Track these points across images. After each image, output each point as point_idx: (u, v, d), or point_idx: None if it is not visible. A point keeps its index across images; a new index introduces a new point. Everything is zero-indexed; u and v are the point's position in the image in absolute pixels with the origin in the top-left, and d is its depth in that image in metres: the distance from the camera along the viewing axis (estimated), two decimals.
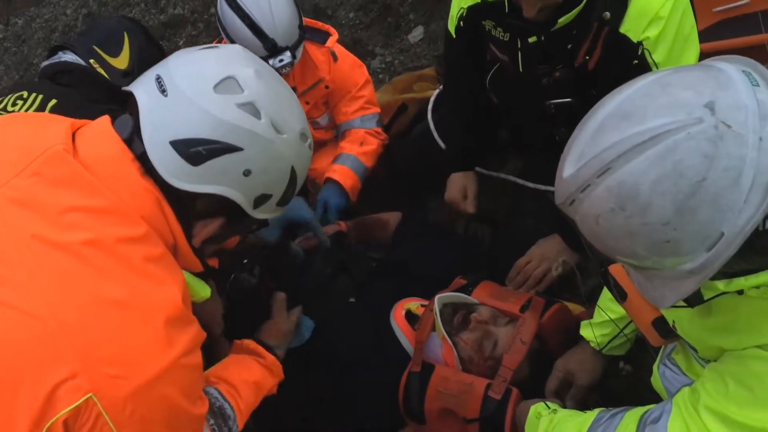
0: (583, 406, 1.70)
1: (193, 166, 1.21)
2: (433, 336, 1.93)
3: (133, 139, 1.22)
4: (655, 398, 1.57)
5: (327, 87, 2.57)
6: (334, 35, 2.57)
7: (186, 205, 1.26)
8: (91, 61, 1.91)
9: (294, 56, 2.30)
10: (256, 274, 2.09)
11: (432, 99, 2.63)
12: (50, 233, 1.15)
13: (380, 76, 3.58)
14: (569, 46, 1.86)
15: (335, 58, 2.56)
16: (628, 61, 1.75)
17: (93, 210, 1.17)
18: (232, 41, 2.28)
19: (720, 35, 2.34)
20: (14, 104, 1.82)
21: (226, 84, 1.23)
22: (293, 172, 1.33)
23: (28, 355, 1.10)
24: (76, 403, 1.09)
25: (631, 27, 1.75)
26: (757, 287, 1.12)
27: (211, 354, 1.75)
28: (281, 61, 2.25)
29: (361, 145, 2.63)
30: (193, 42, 4.26)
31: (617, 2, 1.74)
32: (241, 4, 2.24)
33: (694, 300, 1.18)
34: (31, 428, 1.10)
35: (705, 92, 1.01)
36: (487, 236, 2.46)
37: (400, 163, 2.70)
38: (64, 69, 1.92)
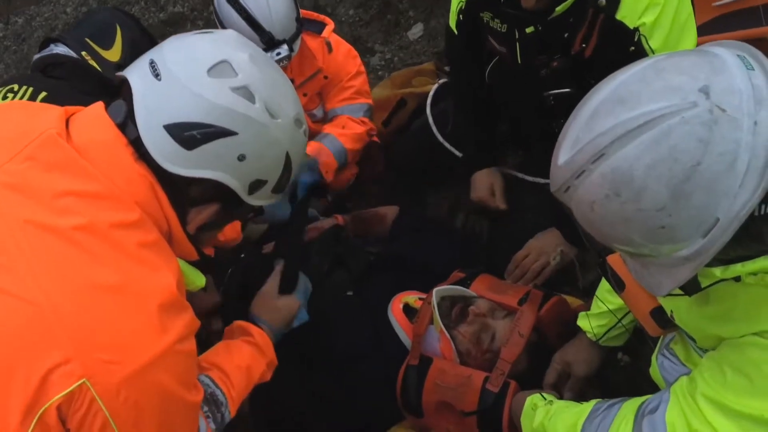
0: (580, 398, 1.69)
1: (188, 151, 1.20)
2: (431, 329, 1.92)
3: (126, 123, 1.22)
4: (654, 390, 1.56)
5: (326, 77, 2.57)
6: (330, 25, 2.56)
7: (180, 191, 1.25)
8: (83, 53, 1.90)
9: (291, 49, 2.29)
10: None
11: (431, 93, 2.62)
12: (44, 218, 1.14)
13: (380, 73, 3.58)
14: (566, 35, 1.86)
15: (330, 48, 2.56)
16: (625, 48, 1.75)
17: (87, 195, 1.17)
18: None
19: (720, 30, 2.33)
20: (5, 97, 1.82)
21: (220, 68, 1.22)
22: (288, 158, 1.32)
23: (21, 341, 1.09)
24: (69, 389, 1.08)
25: (627, 13, 1.75)
26: (754, 274, 1.11)
27: (207, 348, 1.74)
28: (278, 54, 2.25)
29: (343, 128, 2.61)
30: None
31: None
32: None
33: (691, 288, 1.18)
34: (24, 414, 1.09)
35: (700, 76, 1.00)
36: (485, 230, 2.46)
37: (398, 158, 2.70)
38: (56, 61, 1.92)
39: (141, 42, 1.96)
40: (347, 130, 2.61)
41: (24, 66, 4.64)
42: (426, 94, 2.65)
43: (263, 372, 1.66)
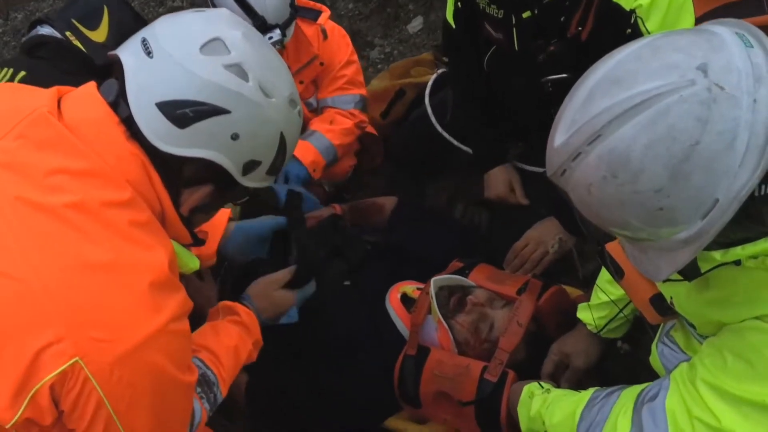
0: (578, 388, 1.67)
1: (180, 129, 1.19)
2: (429, 319, 1.91)
3: (118, 102, 1.20)
4: (652, 379, 1.55)
5: (322, 64, 2.55)
6: (326, 12, 2.54)
7: (173, 171, 1.24)
8: (68, 33, 1.89)
9: (284, 34, 2.27)
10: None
11: (429, 83, 2.61)
12: (34, 195, 1.13)
13: (379, 66, 3.58)
14: (562, 19, 1.85)
15: (325, 35, 2.54)
16: (621, 31, 1.74)
17: (78, 173, 1.15)
18: None
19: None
20: None
21: (212, 45, 1.21)
22: (282, 138, 1.30)
23: (11, 319, 1.08)
24: (62, 368, 1.07)
25: None
26: (755, 257, 1.10)
27: None
28: (270, 38, 2.22)
29: (331, 123, 2.59)
30: None
31: None
32: None
33: (691, 273, 1.16)
34: (15, 394, 1.08)
35: (697, 54, 0.99)
36: (484, 220, 2.45)
37: (397, 149, 2.69)
38: (40, 42, 1.91)
39: (129, 23, 1.94)
40: (335, 126, 2.59)
41: None
42: (425, 84, 2.64)
43: (250, 351, 1.64)
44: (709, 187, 0.97)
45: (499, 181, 2.33)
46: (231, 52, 1.22)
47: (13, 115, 1.19)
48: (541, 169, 2.22)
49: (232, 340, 1.59)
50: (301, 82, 2.53)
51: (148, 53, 1.20)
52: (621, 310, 1.71)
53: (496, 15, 1.97)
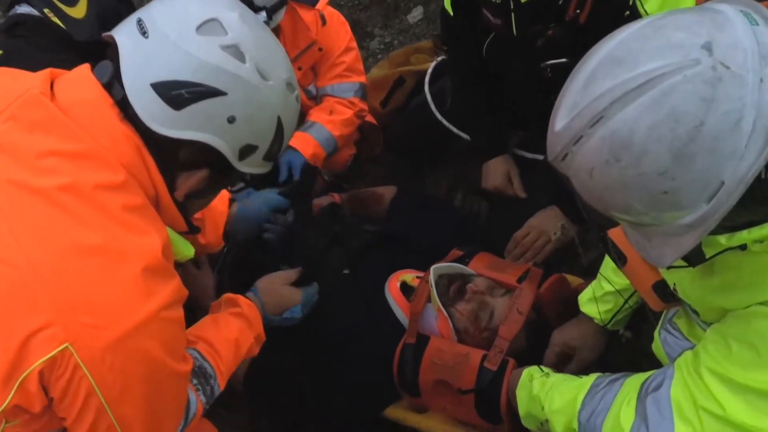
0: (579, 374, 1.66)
1: (175, 111, 1.17)
2: (429, 308, 1.89)
3: (113, 83, 1.18)
4: (653, 366, 1.53)
5: (320, 50, 2.52)
6: None
7: (168, 154, 1.21)
8: (46, 10, 1.86)
9: (270, 18, 2.21)
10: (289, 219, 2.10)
11: (429, 71, 2.59)
12: (26, 178, 1.11)
13: (379, 56, 3.56)
14: (560, 2, 1.83)
15: (324, 21, 2.50)
16: (620, 13, 1.72)
17: (70, 155, 1.13)
18: None
19: None
20: None
21: (209, 26, 1.18)
22: (280, 122, 1.28)
23: (0, 304, 1.06)
24: (52, 353, 1.05)
25: None
26: (761, 241, 1.08)
27: None
28: None
29: (330, 113, 2.55)
30: None
31: None
32: None
33: (695, 258, 1.14)
34: (4, 380, 1.07)
35: (701, 33, 0.96)
36: (484, 209, 2.44)
37: (396, 137, 2.67)
38: (18, 21, 1.88)
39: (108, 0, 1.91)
40: (335, 116, 2.56)
41: None
42: (424, 72, 2.62)
43: (251, 345, 1.62)
44: (715, 169, 0.95)
45: (497, 172, 2.32)
46: (228, 33, 1.20)
47: (4, 97, 1.17)
48: (541, 157, 2.21)
49: (232, 332, 1.57)
50: (299, 69, 2.50)
51: (144, 33, 1.18)
52: (626, 301, 1.69)
53: (494, 0, 1.95)
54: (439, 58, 2.66)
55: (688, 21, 0.99)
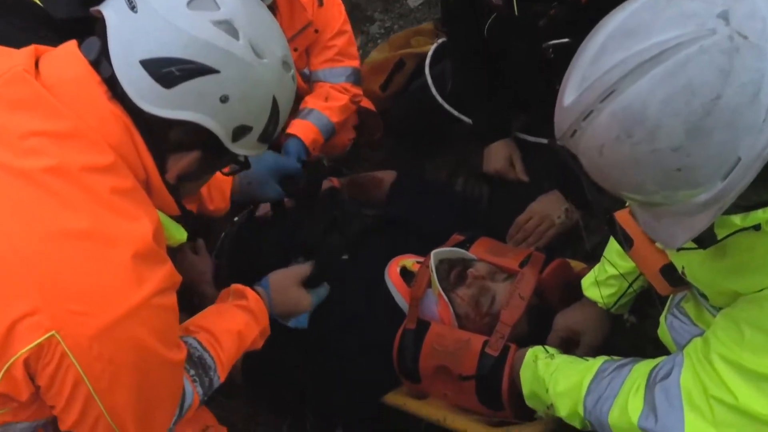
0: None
1: (166, 89, 1.13)
2: (429, 293, 1.87)
3: (100, 60, 1.15)
4: (657, 351, 1.50)
5: (316, 31, 2.47)
6: None
7: (159, 135, 1.18)
8: None
9: None
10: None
11: (429, 53, 2.56)
12: (9, 159, 1.08)
13: (379, 41, 3.53)
14: None
15: (321, 2, 2.46)
16: None
17: (56, 135, 1.10)
18: None
19: None
20: None
21: (200, 0, 1.14)
22: (275, 102, 1.24)
23: None
24: (37, 341, 1.02)
25: None
26: None
27: None
28: None
29: (326, 100, 2.52)
30: None
31: None
32: None
33: (707, 240, 1.10)
34: None
35: (717, 1, 0.92)
36: (485, 194, 2.41)
37: (396, 121, 2.64)
38: None
39: None
40: (332, 103, 2.52)
41: None
42: (425, 55, 2.59)
43: (255, 339, 1.59)
44: (731, 144, 0.91)
45: (499, 155, 2.30)
46: (220, 7, 1.16)
47: None
48: (543, 141, 2.18)
49: (236, 324, 1.53)
50: (295, 50, 2.46)
51: (132, 8, 1.14)
52: (630, 285, 1.65)
53: None
54: (440, 41, 2.63)
55: None
